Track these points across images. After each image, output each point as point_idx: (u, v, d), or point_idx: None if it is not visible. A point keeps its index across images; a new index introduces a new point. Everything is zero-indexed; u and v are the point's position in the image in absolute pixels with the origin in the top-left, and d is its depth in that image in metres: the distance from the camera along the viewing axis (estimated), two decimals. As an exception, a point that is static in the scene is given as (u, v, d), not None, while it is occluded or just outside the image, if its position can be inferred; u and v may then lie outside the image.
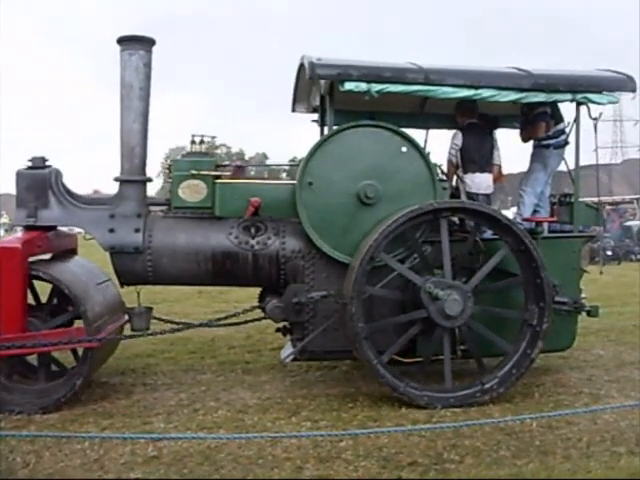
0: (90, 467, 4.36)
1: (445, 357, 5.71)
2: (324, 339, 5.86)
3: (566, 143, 6.90)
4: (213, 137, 6.46)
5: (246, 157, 72.12)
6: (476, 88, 6.04)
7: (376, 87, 5.82)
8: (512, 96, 6.11)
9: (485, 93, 6.06)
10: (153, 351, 7.72)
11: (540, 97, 6.18)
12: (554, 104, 6.77)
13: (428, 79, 5.93)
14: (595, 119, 6.38)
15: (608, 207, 28.46)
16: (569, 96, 6.22)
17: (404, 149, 5.90)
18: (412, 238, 5.80)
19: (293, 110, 7.94)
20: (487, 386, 5.76)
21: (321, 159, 5.85)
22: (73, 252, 6.54)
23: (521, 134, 7.31)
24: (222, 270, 6.06)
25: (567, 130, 6.86)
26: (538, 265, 5.71)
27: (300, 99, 7.61)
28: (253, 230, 6.04)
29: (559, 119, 7.02)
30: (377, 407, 5.64)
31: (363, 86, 5.80)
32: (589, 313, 6.38)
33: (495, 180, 7.19)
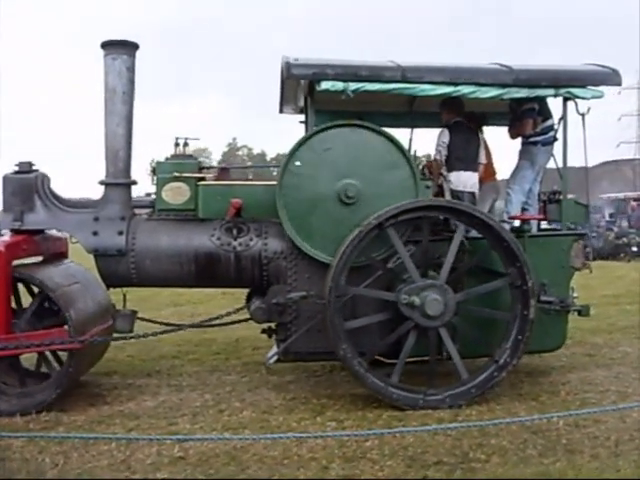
0: (117, 468, 4.40)
1: (452, 352, 5.65)
2: (308, 340, 5.82)
3: (554, 140, 6.77)
4: (197, 139, 6.47)
5: (267, 158, 72.44)
6: (455, 85, 5.96)
7: (353, 86, 5.77)
8: (493, 92, 6.02)
9: (465, 90, 5.98)
10: (178, 352, 7.78)
11: (522, 93, 6.09)
12: (542, 100, 6.67)
13: (405, 77, 5.87)
14: (582, 114, 6.22)
15: (633, 202, 28.17)
16: (552, 91, 6.12)
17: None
18: (369, 255, 5.73)
19: (281, 111, 7.90)
20: (501, 362, 5.71)
21: (301, 159, 5.81)
22: (63, 255, 6.57)
23: (509, 131, 7.23)
24: (205, 272, 6.07)
25: (556, 127, 6.74)
26: (497, 229, 5.64)
27: (287, 100, 7.53)
28: (235, 231, 6.03)
29: (547, 115, 6.91)
30: (402, 406, 5.63)
31: (340, 85, 5.76)
32: (580, 313, 6.24)
33: (485, 179, 7.13)
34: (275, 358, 5.95)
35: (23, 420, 5.34)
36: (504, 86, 6.02)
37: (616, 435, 4.86)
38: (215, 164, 6.80)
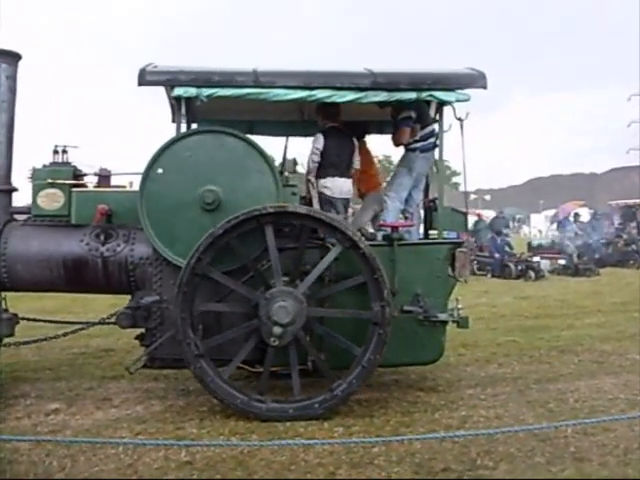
0: (124, 472, 4.40)
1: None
2: (174, 346, 5.70)
3: (434, 146, 6.64)
4: (75, 147, 6.47)
5: (275, 163, 72.26)
6: (311, 89, 5.87)
7: (206, 92, 5.74)
8: (350, 96, 5.89)
9: (320, 94, 5.88)
10: (185, 357, 7.76)
11: (381, 96, 5.94)
12: (420, 107, 6.60)
13: (258, 82, 5.81)
14: (460, 119, 6.07)
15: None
16: (413, 94, 5.96)
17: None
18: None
19: (173, 120, 7.57)
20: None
21: (162, 165, 5.77)
22: None
23: (392, 139, 7.06)
24: (74, 277, 6.11)
25: (436, 132, 6.55)
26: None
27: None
28: (103, 237, 6.05)
29: (427, 122, 6.81)
30: (409, 413, 5.62)
31: (192, 91, 5.74)
32: (458, 324, 6.04)
33: (368, 189, 7.08)
34: (140, 365, 5.83)
35: (31, 423, 5.36)
36: (362, 89, 5.91)
37: (625, 443, 4.83)
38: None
